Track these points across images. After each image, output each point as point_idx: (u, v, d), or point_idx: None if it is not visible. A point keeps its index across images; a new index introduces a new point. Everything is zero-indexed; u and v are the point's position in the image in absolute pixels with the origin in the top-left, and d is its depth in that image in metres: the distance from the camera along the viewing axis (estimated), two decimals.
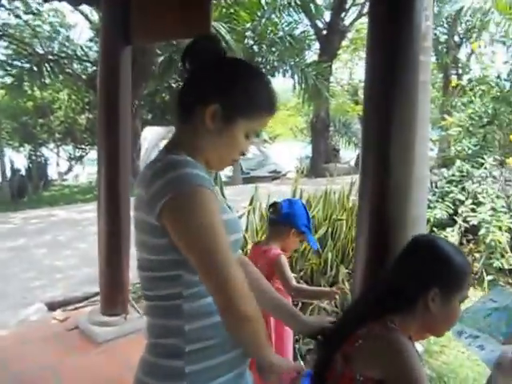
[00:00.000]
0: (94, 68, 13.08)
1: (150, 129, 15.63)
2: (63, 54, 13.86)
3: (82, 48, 14.06)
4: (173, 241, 1.22)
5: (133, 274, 3.93)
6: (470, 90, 7.16)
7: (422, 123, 3.81)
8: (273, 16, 12.34)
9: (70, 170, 18.92)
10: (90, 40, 14.33)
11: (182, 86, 1.40)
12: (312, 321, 1.67)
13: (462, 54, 14.51)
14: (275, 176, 18.29)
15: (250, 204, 4.87)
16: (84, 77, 14.03)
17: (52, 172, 18.03)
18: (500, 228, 5.46)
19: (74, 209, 9.63)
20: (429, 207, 6.08)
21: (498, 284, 1.63)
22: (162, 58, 12.11)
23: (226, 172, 17.44)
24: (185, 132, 1.37)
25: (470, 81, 7.47)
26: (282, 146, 23.93)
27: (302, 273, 4.79)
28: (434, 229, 6.00)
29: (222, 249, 1.20)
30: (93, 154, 16.68)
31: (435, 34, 12.65)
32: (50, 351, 3.58)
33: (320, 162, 15.92)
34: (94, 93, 12.98)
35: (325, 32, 15.76)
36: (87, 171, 18.71)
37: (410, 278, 1.43)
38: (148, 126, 15.69)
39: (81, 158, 19.06)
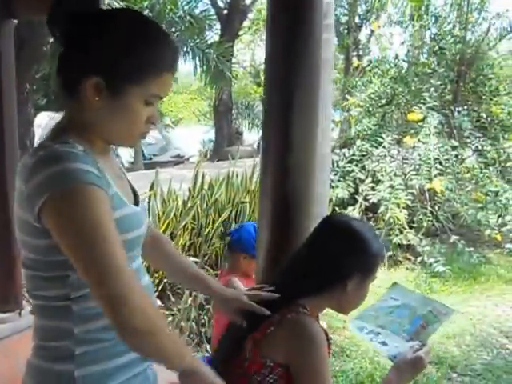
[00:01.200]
0: None
1: (44, 115, 14.72)
2: None
3: None
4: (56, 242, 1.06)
5: None
6: (370, 71, 7.33)
7: (324, 101, 3.77)
8: None
9: None
10: None
11: (58, 58, 1.17)
12: (230, 294, 1.52)
13: (363, 36, 14.88)
14: (178, 161, 18.00)
15: (151, 189, 4.66)
16: None
17: None
18: (398, 205, 5.62)
19: None
20: (331, 187, 6.15)
21: (397, 283, 1.63)
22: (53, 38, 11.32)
23: (127, 157, 16.94)
24: (71, 110, 1.17)
25: (369, 62, 7.63)
26: (185, 130, 23.62)
27: (206, 257, 4.66)
28: (336, 208, 6.09)
29: (108, 254, 1.03)
30: None
31: (336, 15, 12.85)
32: None
33: (223, 146, 15.79)
34: None
35: (226, 12, 15.55)
36: None
37: (330, 265, 1.40)
38: (42, 112, 14.77)
39: None
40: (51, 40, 11.67)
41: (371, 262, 1.43)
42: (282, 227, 1.62)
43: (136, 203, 1.28)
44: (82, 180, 1.03)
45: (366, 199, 6.03)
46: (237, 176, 5.44)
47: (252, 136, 20.16)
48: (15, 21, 3.17)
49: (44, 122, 14.87)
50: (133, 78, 1.12)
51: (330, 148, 4.06)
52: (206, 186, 5.11)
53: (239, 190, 5.29)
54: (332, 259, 1.39)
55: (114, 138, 1.21)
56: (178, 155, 19.17)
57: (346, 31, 13.92)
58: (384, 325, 1.53)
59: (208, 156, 16.98)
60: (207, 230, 4.65)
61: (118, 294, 1.02)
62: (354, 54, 14.53)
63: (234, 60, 14.30)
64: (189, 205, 4.66)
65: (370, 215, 6.33)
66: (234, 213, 4.95)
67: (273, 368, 1.29)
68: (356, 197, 6.14)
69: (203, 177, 4.94)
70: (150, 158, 18.12)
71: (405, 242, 5.80)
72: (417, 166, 5.89)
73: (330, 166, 4.35)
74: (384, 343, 1.48)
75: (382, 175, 5.97)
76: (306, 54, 1.64)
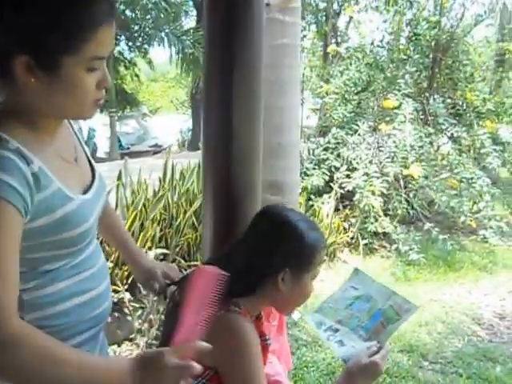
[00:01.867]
0: None
1: None
2: None
3: None
4: None
5: None
6: (348, 57, 7.26)
7: (290, 88, 3.71)
8: None
9: None
10: None
11: None
12: (147, 265, 1.53)
13: (342, 22, 14.75)
14: (156, 150, 17.80)
15: (118, 179, 4.54)
16: None
17: None
18: (373, 192, 5.58)
19: None
20: (306, 175, 6.11)
21: (359, 269, 1.53)
22: None
23: (105, 148, 16.71)
24: (8, 94, 1.07)
25: (347, 49, 7.54)
26: (163, 119, 23.39)
27: (177, 249, 4.57)
28: (312, 196, 6.04)
29: None
30: None
31: (314, 2, 12.73)
32: None
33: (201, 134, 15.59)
34: None
35: None
36: None
37: (258, 258, 1.29)
38: None
39: None
40: None
41: (305, 254, 1.31)
42: (225, 216, 1.56)
43: (90, 186, 1.20)
44: None
45: (341, 187, 5.98)
46: None
47: None
48: None
49: None
50: (64, 48, 0.99)
51: (299, 136, 4.00)
52: (177, 176, 5.02)
53: None
54: (261, 252, 1.29)
55: (65, 115, 1.13)
56: (156, 144, 18.97)
57: (324, 18, 13.76)
58: (343, 320, 1.44)
59: (186, 145, 16.86)
60: (178, 220, 4.56)
61: None
62: (333, 41, 14.40)
63: None
64: (159, 195, 4.56)
65: (346, 203, 6.29)
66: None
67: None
68: (331, 185, 6.09)
69: (173, 166, 4.83)
70: (128, 148, 17.89)
71: (380, 230, 5.78)
72: (392, 154, 5.85)
73: (298, 153, 4.28)
74: (341, 343, 1.39)
75: (358, 163, 5.92)
76: (244, 36, 1.56)
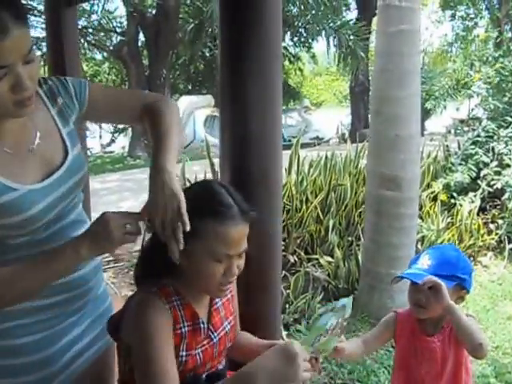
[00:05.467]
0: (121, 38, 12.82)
1: (185, 98, 15.48)
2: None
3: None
4: None
5: None
6: (507, 42, 6.61)
7: (408, 77, 3.46)
8: None
9: (112, 141, 18.74)
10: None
11: None
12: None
13: None
14: (318, 143, 17.89)
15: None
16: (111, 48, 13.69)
17: (94, 144, 17.86)
18: None
19: (99, 179, 9.66)
20: (450, 170, 5.71)
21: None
22: (191, 26, 11.80)
23: None
24: None
25: None
26: (326, 112, 23.38)
27: (298, 240, 4.55)
28: (455, 194, 5.61)
29: None
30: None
31: None
32: None
33: (360, 127, 15.34)
34: (123, 64, 12.85)
35: None
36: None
37: None
38: (184, 96, 15.55)
39: (124, 129, 18.91)
40: (189, 28, 12.17)
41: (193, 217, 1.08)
42: None
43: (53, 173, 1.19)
44: None
45: (489, 185, 5.47)
46: (341, 158, 5.27)
47: None
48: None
49: (184, 105, 15.72)
50: None
51: (419, 127, 3.70)
52: (306, 167, 5.00)
53: (341, 172, 5.10)
54: None
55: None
56: (317, 137, 19.04)
57: (497, 5, 12.83)
58: None
59: (345, 138, 16.75)
60: (301, 211, 4.53)
61: None
62: (508, 27, 13.29)
63: (372, 38, 13.86)
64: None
65: (496, 202, 5.74)
66: (332, 195, 4.77)
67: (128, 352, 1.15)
68: (478, 182, 5.59)
69: (298, 159, 4.78)
70: (289, 140, 18.20)
71: None
72: None
73: (419, 146, 3.97)
74: None
75: (510, 158, 5.37)
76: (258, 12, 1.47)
